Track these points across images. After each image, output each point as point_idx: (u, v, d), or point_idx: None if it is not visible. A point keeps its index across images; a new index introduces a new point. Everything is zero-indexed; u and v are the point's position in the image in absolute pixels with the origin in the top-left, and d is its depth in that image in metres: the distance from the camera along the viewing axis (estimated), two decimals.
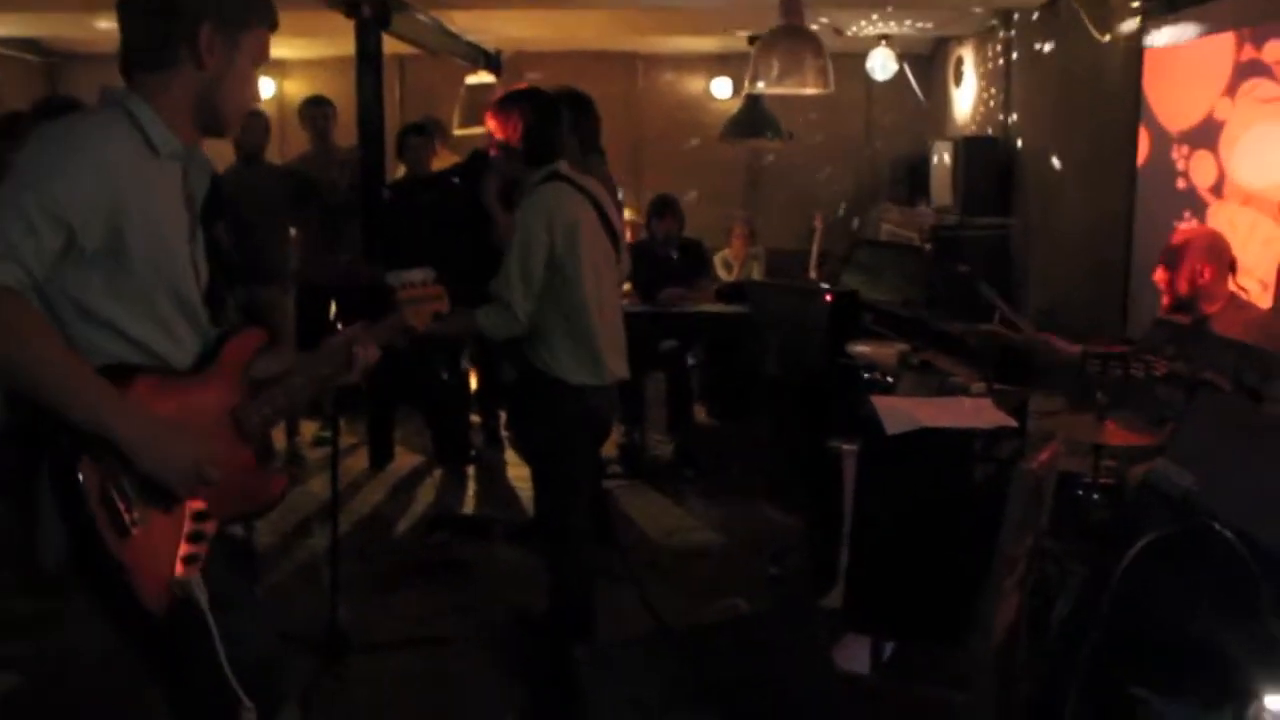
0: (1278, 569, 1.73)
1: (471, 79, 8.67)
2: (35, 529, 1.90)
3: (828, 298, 5.99)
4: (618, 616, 4.36)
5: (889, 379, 4.59)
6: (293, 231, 6.77)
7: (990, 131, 7.91)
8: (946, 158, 7.78)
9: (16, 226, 1.85)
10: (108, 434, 1.89)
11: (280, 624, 3.52)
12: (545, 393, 3.77)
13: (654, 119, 10.06)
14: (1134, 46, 5.46)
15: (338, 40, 6.78)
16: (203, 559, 2.06)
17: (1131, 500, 2.90)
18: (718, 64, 9.92)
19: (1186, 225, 4.82)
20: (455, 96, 8.67)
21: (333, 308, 6.76)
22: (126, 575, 1.94)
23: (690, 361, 6.92)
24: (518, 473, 6.32)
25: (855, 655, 3.88)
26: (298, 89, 8.51)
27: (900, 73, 8.87)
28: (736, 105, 8.80)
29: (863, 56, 8.64)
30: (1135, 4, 5.41)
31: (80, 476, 1.89)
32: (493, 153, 3.91)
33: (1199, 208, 4.80)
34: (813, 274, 8.48)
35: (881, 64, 8.62)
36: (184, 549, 2.03)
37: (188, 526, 2.04)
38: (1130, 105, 5.43)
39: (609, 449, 6.41)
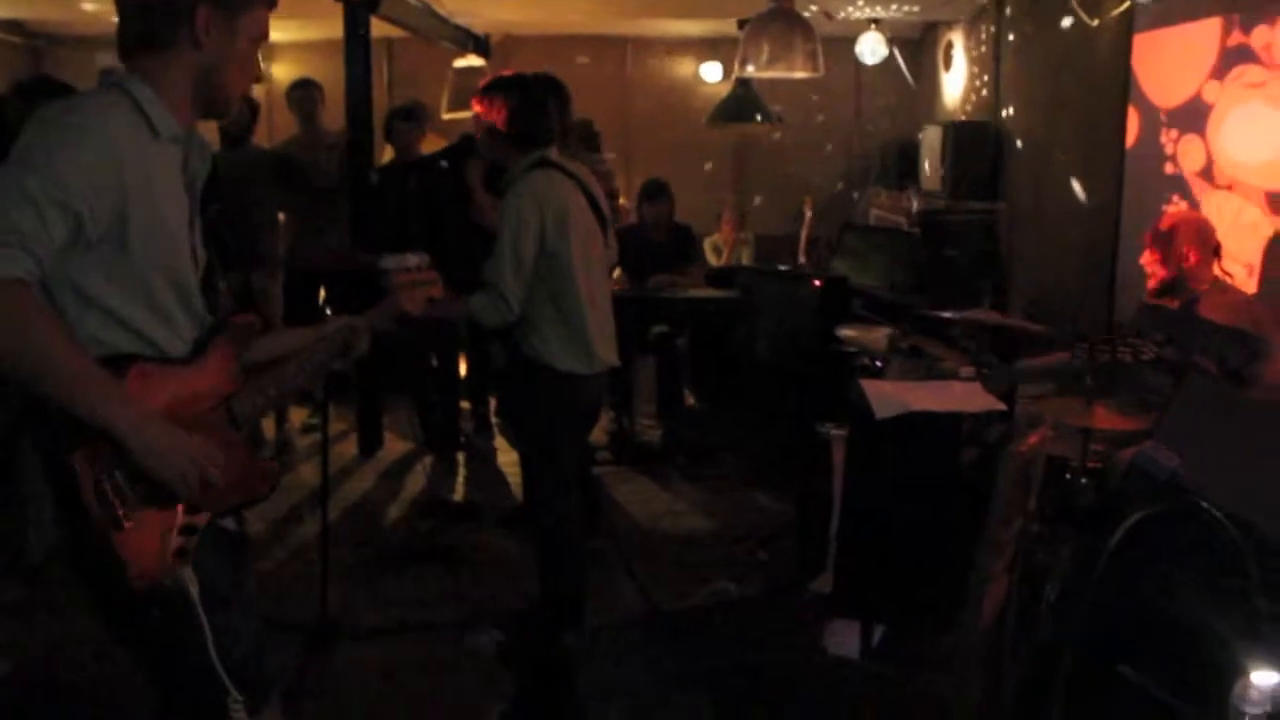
0: (1263, 547, 1.74)
1: (460, 63, 8.63)
2: (24, 520, 1.89)
3: (817, 283, 6.00)
4: (608, 602, 4.37)
5: (878, 363, 4.60)
6: (280, 216, 6.75)
7: (980, 116, 7.91)
8: (936, 142, 7.77)
9: (27, 215, 1.82)
10: (110, 430, 1.88)
11: (270, 611, 3.54)
12: (535, 380, 3.77)
13: (643, 103, 10.03)
14: (1123, 30, 5.46)
15: (326, 23, 6.74)
16: (194, 551, 2.05)
17: (1119, 483, 2.91)
18: (707, 48, 9.89)
19: (1174, 209, 4.82)
20: (443, 80, 8.62)
21: (321, 293, 6.77)
22: (119, 567, 1.93)
23: (679, 343, 6.93)
24: (507, 459, 6.32)
25: (844, 639, 3.90)
26: (285, 72, 8.47)
27: (890, 57, 8.85)
28: (726, 89, 8.77)
29: (852, 41, 8.61)
30: None
31: (74, 467, 1.88)
32: (472, 127, 3.91)
33: (1187, 192, 4.81)
34: (802, 259, 8.47)
35: (871, 48, 8.60)
36: (176, 541, 2.02)
37: (180, 519, 2.03)
38: (1119, 90, 5.43)
39: (598, 435, 6.42)
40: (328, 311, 6.62)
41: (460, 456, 6.48)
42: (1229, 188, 4.54)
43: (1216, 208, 4.58)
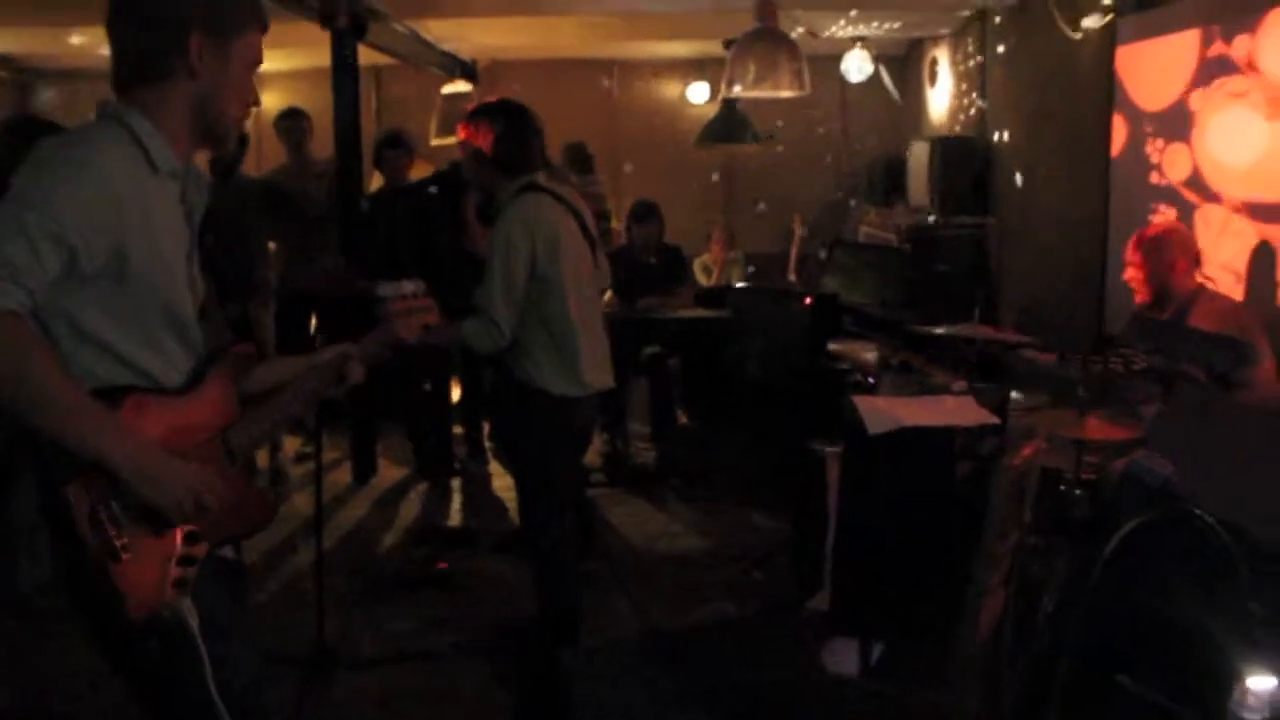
0: (1256, 552, 1.75)
1: (448, 88, 8.67)
2: (16, 552, 1.89)
3: (808, 300, 6.01)
4: (605, 623, 4.36)
5: (870, 380, 4.61)
6: (271, 245, 6.75)
7: (966, 131, 7.95)
8: (923, 158, 7.81)
9: (20, 248, 1.81)
10: (103, 461, 1.87)
11: (266, 642, 3.52)
12: (528, 404, 3.77)
13: (631, 125, 10.07)
14: (1106, 43, 5.50)
15: (313, 51, 6.76)
16: (193, 582, 2.04)
17: (1113, 492, 2.91)
18: (694, 69, 9.94)
19: (1160, 218, 4.85)
20: (432, 106, 8.66)
21: (313, 321, 6.77)
22: (116, 599, 1.92)
23: (671, 364, 6.94)
24: (502, 483, 6.31)
25: (843, 657, 3.89)
26: (273, 101, 8.47)
27: (875, 74, 8.90)
28: (713, 110, 8.82)
29: (838, 59, 8.66)
30: (1107, 1, 5.45)
31: (69, 499, 1.87)
32: (461, 153, 3.91)
33: (1173, 201, 4.83)
34: (792, 277, 8.51)
35: (857, 66, 8.65)
36: (175, 572, 2.01)
37: (179, 550, 2.02)
38: (1103, 102, 5.46)
39: (593, 457, 6.41)
40: (319, 340, 6.62)
41: (455, 482, 6.47)
42: (1216, 196, 4.56)
43: (1203, 216, 4.61)
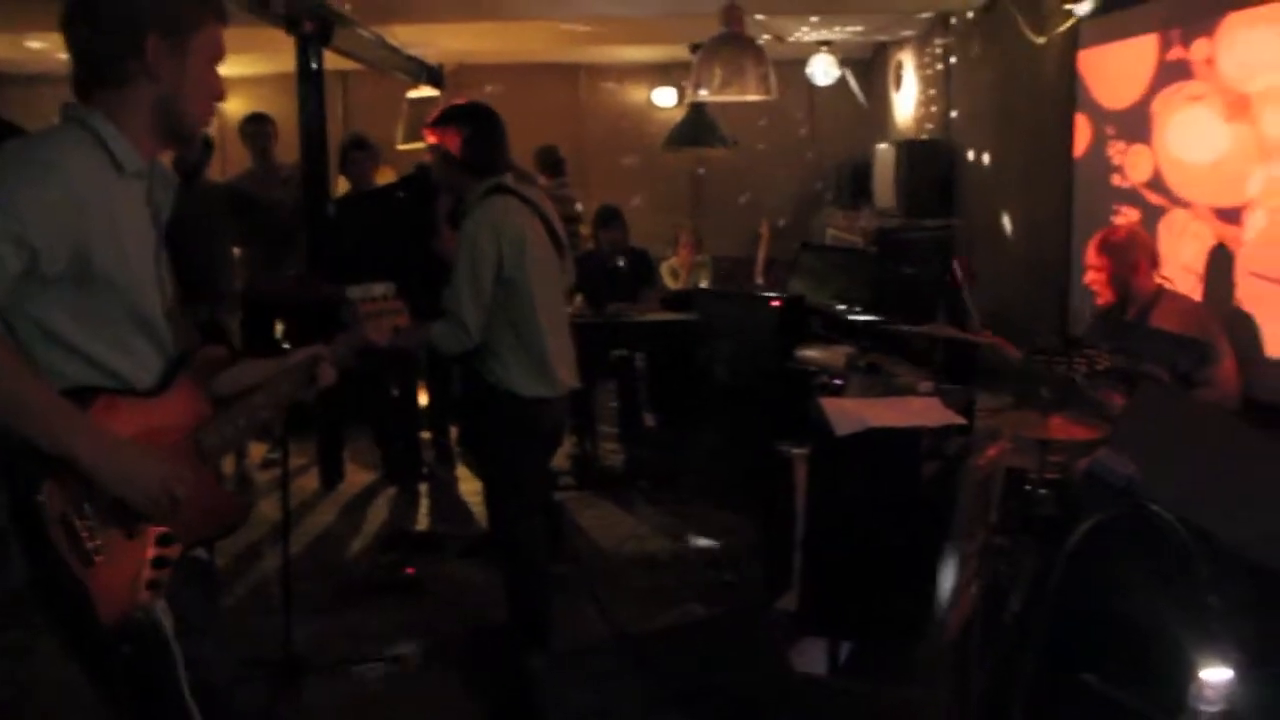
0: (1214, 548, 1.77)
1: (414, 93, 8.64)
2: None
3: (775, 303, 6.03)
4: (574, 626, 4.35)
5: (837, 381, 4.63)
6: (235, 251, 6.71)
7: (931, 134, 8.01)
8: (889, 161, 7.86)
9: None
10: (72, 459, 1.86)
11: (234, 647, 3.49)
12: (496, 406, 3.77)
13: (598, 129, 10.08)
14: (1068, 47, 5.56)
15: (278, 57, 6.73)
16: (167, 584, 2.03)
17: (1076, 491, 2.94)
18: (660, 73, 9.97)
19: (1123, 219, 4.90)
20: (398, 111, 8.64)
21: (278, 327, 6.73)
22: (89, 602, 1.90)
23: (639, 367, 6.95)
24: (470, 488, 6.30)
25: (812, 657, 3.90)
26: (238, 106, 8.43)
27: (841, 78, 8.95)
28: (680, 114, 8.84)
29: (804, 63, 8.71)
30: (1069, 6, 5.50)
31: (41, 503, 1.85)
32: (428, 157, 3.91)
33: (1135, 203, 4.89)
34: (759, 280, 8.53)
35: (823, 70, 8.70)
36: (148, 574, 1.99)
37: (152, 552, 2.00)
38: (1066, 105, 5.52)
39: (561, 460, 6.41)
40: (285, 346, 6.59)
41: (422, 487, 6.45)
42: (1176, 198, 4.62)
43: (1164, 217, 4.66)
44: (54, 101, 2.10)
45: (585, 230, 8.25)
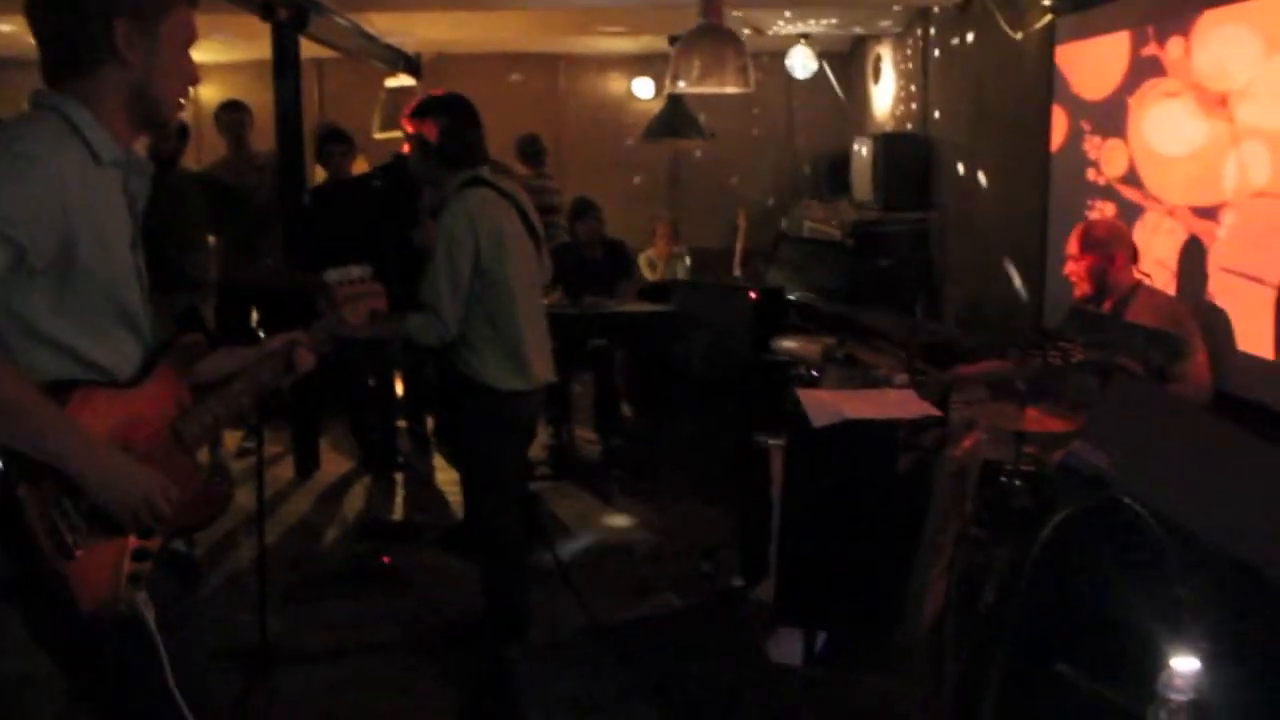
0: (1185, 539, 1.79)
1: (391, 82, 8.61)
2: None
3: (752, 295, 6.05)
4: (550, 617, 4.35)
5: (814, 373, 4.64)
6: (211, 240, 6.67)
7: (909, 127, 8.03)
8: (867, 154, 7.88)
9: None
10: (61, 464, 1.85)
11: (208, 637, 3.48)
12: (472, 399, 3.76)
13: (576, 120, 10.06)
14: (1045, 43, 5.58)
15: (254, 44, 6.69)
16: (148, 575, 2.02)
17: (1051, 483, 2.96)
18: (639, 64, 9.94)
19: (1098, 214, 4.94)
20: (375, 100, 8.60)
21: (254, 316, 6.70)
22: (71, 597, 1.89)
23: (616, 358, 6.95)
24: (446, 477, 6.29)
25: (788, 647, 3.92)
26: (213, 94, 8.37)
27: (820, 71, 8.96)
28: (658, 105, 8.83)
29: (783, 55, 8.71)
30: (1046, 1, 5.53)
31: (20, 497, 1.84)
32: (404, 148, 3.90)
33: (1110, 198, 4.92)
34: (737, 272, 8.54)
35: (801, 62, 8.71)
36: (129, 567, 1.98)
37: (133, 544, 1.99)
38: (1043, 100, 5.55)
39: (538, 450, 6.41)
40: (260, 334, 6.56)
41: (399, 477, 6.43)
42: (1150, 193, 4.65)
43: (1139, 212, 4.69)
44: (25, 87, 2.07)
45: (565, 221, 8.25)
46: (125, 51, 1.98)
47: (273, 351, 2.33)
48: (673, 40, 6.67)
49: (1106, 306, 4.08)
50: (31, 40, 2.03)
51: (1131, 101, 4.74)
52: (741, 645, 4.11)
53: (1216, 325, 4.12)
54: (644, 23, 8.22)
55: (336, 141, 6.47)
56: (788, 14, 7.67)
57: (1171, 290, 4.39)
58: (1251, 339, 4.03)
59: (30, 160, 1.87)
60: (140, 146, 2.20)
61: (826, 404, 3.70)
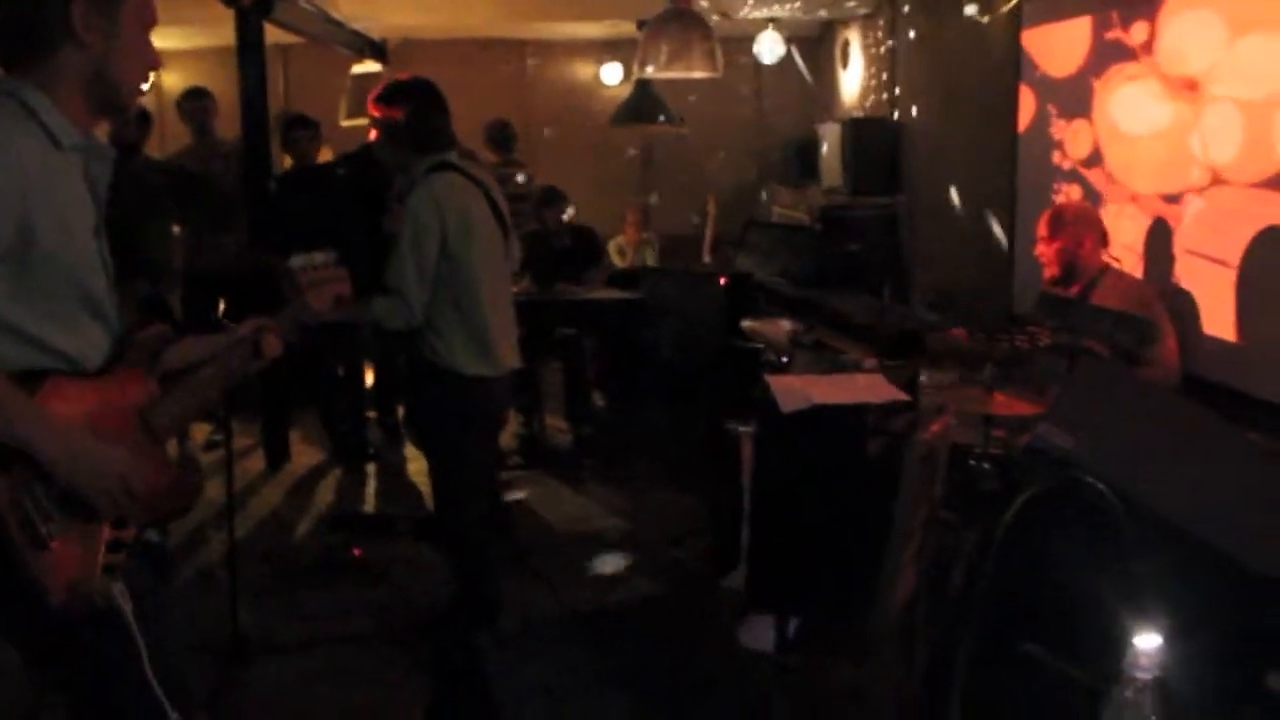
0: (1147, 518, 1.81)
1: (358, 68, 8.54)
2: None
3: (722, 280, 6.05)
4: (522, 605, 4.36)
5: (783, 359, 4.65)
6: (175, 228, 6.60)
7: (878, 112, 8.04)
8: (835, 138, 7.89)
9: None
10: (31, 450, 1.83)
11: (180, 630, 3.46)
12: (437, 384, 3.74)
13: (544, 106, 10.02)
14: (1012, 26, 5.60)
15: (217, 30, 6.62)
16: (123, 566, 2.00)
17: (1019, 466, 2.98)
18: (607, 50, 9.91)
19: (1064, 197, 4.96)
20: (341, 87, 8.53)
21: (220, 304, 6.65)
22: (44, 589, 1.87)
23: (586, 345, 6.95)
24: (418, 468, 6.27)
25: (760, 633, 3.93)
26: (176, 81, 8.28)
27: (788, 56, 8.96)
28: (627, 91, 8.81)
29: (751, 40, 8.70)
30: None
31: None
32: (372, 136, 3.88)
33: (1076, 180, 4.95)
34: (707, 257, 8.55)
35: (769, 47, 8.70)
36: (104, 558, 1.96)
37: (107, 534, 1.97)
38: (1010, 84, 5.57)
39: (508, 439, 6.40)
40: (226, 323, 6.51)
41: (370, 468, 6.41)
42: (1116, 177, 4.68)
43: (1104, 195, 4.72)
44: None
45: None
46: (83, 34, 1.96)
47: (240, 338, 2.32)
48: (641, 25, 6.64)
49: (1075, 290, 4.10)
50: None
51: (1097, 85, 4.77)
52: (713, 632, 4.12)
53: (1183, 308, 4.16)
54: (611, 8, 8.19)
55: (302, 127, 6.42)
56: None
57: (1138, 274, 4.42)
58: (1216, 321, 4.07)
59: None
60: (101, 133, 2.17)
61: (795, 389, 3.70)
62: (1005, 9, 5.69)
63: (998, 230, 5.83)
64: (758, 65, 9.12)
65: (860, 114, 8.33)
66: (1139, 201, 4.52)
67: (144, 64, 2.08)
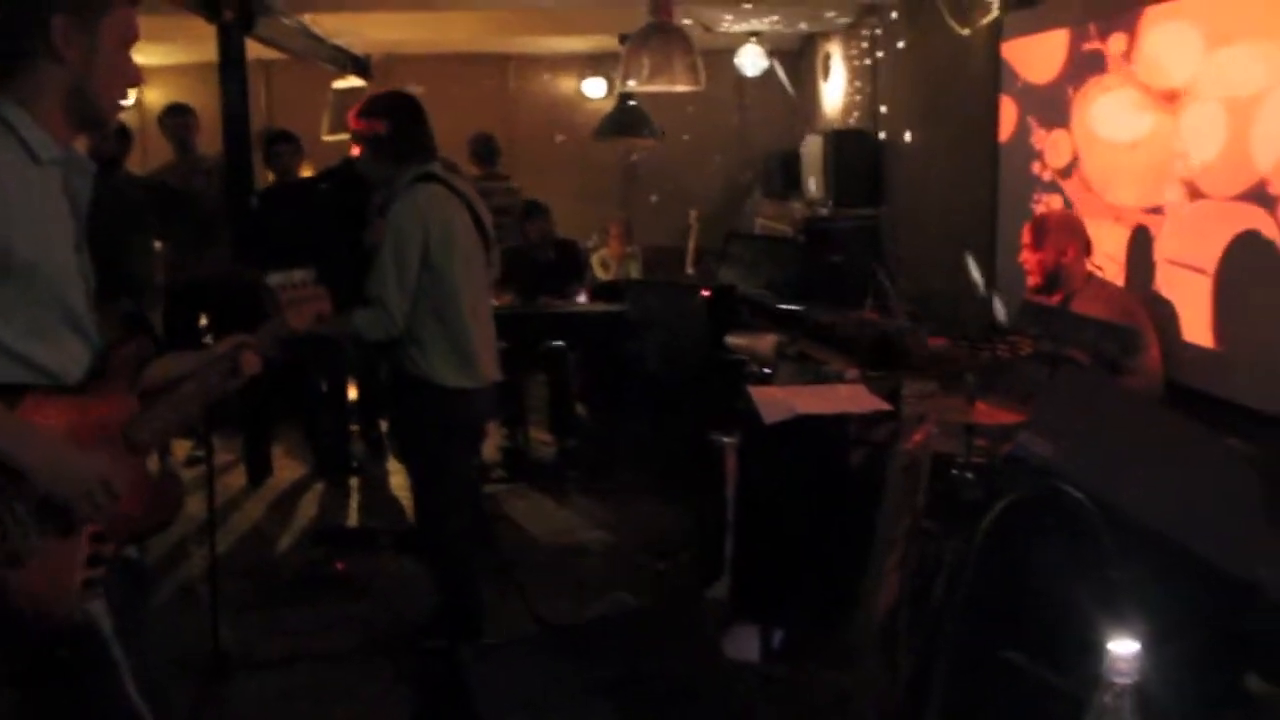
0: (1127, 525, 1.82)
1: (340, 84, 8.54)
2: None
3: (705, 293, 6.06)
4: (505, 618, 4.34)
5: (766, 370, 4.66)
6: (157, 244, 6.59)
7: (859, 124, 8.08)
8: (817, 151, 7.92)
9: None
10: (10, 458, 1.82)
11: (161, 647, 3.43)
12: (420, 396, 3.74)
13: (527, 120, 10.04)
14: (992, 39, 5.63)
15: (199, 46, 6.60)
16: (103, 583, 1.98)
17: (996, 474, 2.99)
18: (589, 64, 9.94)
19: (1044, 207, 4.99)
20: (323, 102, 8.53)
21: (202, 319, 6.63)
22: (21, 607, 1.85)
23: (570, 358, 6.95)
24: (400, 481, 6.25)
25: (744, 643, 3.92)
26: (158, 97, 8.27)
27: (770, 69, 8.99)
28: (609, 105, 8.83)
29: (733, 53, 8.74)
30: None
31: None
32: (354, 151, 3.88)
33: (1056, 190, 4.97)
34: (690, 270, 8.56)
35: (751, 60, 8.74)
36: (83, 574, 1.95)
37: (86, 550, 1.95)
38: (990, 96, 5.60)
39: (492, 452, 6.39)
40: (208, 338, 6.49)
41: (353, 482, 6.39)
42: (1095, 186, 4.70)
43: (1083, 205, 4.74)
44: None
45: None
46: (63, 49, 1.96)
47: (219, 356, 2.31)
48: (623, 39, 6.66)
49: (1059, 298, 4.12)
50: None
51: (1075, 97, 4.80)
52: (698, 643, 4.11)
53: (1163, 316, 4.18)
54: (594, 22, 8.21)
55: (284, 142, 6.41)
56: (747, 5, 7.66)
57: (1119, 283, 4.44)
58: (1195, 329, 4.09)
59: None
60: (80, 149, 2.16)
61: (778, 400, 3.71)
62: (985, 21, 5.72)
63: (979, 240, 5.84)
64: (740, 78, 9.15)
65: (842, 126, 8.37)
66: (1117, 211, 4.54)
67: (124, 80, 2.08)
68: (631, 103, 8.07)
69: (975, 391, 3.59)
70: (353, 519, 5.89)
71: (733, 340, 5.23)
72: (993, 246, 5.61)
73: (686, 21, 6.96)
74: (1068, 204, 4.83)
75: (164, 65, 8.91)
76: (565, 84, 10.19)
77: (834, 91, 8.81)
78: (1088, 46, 4.70)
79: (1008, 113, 5.44)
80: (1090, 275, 4.14)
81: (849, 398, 3.78)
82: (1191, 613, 1.82)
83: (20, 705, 2.08)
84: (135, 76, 2.10)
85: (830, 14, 8.03)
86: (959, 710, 2.01)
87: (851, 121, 8.27)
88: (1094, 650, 1.35)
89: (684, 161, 9.81)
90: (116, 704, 2.00)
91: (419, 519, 4.04)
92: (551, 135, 9.91)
